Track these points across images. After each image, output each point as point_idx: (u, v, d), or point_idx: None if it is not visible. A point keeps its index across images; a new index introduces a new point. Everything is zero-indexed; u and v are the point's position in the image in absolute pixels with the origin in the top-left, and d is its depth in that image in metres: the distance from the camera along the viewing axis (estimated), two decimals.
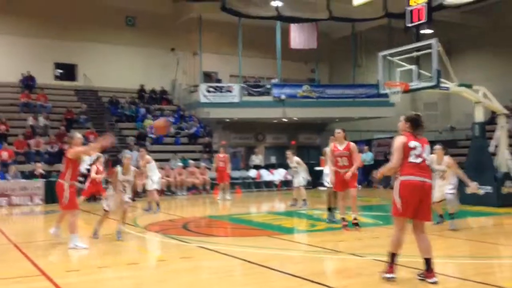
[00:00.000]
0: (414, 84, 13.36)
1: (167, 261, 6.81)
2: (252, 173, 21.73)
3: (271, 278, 5.78)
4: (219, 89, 23.92)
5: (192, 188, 19.62)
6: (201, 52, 24.09)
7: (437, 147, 9.27)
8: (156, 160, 19.23)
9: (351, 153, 9.13)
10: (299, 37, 25.24)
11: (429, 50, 12.71)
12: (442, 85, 13.10)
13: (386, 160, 6.74)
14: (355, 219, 9.07)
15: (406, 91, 13.59)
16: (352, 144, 9.25)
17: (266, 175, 21.79)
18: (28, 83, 22.69)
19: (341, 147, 9.20)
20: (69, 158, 7.87)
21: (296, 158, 14.15)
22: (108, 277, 5.91)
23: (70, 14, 23.52)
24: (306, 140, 28.79)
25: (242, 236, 9.42)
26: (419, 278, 5.31)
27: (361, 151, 17.10)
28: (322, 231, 9.55)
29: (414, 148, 5.38)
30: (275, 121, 26.40)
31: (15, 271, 6.36)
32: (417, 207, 5.28)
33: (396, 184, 5.39)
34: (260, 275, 5.94)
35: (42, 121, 20.57)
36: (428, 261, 5.24)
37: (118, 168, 8.65)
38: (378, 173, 5.88)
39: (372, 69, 24.62)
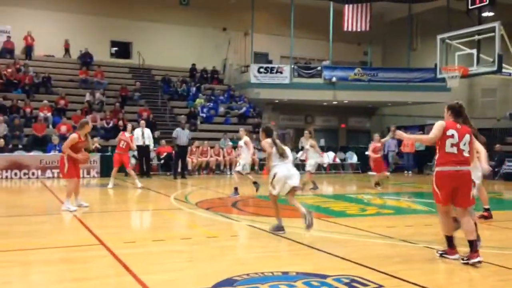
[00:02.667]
0: (474, 69, 12.91)
1: (218, 238, 6.95)
2: (301, 154, 21.63)
3: (319, 259, 5.80)
4: (269, 70, 23.89)
5: None
6: (252, 32, 24.06)
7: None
8: (206, 139, 19.70)
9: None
10: (352, 19, 24.76)
11: (491, 34, 12.21)
12: (504, 70, 12.59)
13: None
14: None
15: (465, 76, 13.19)
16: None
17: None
18: (85, 60, 23.42)
19: None
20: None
21: (312, 141, 13.81)
22: (162, 250, 6.11)
23: None
24: (357, 123, 28.41)
25: (290, 217, 9.47)
26: (464, 261, 5.48)
27: None
28: (372, 216, 9.48)
29: (451, 136, 5.51)
30: (325, 103, 26.16)
31: (75, 239, 6.69)
32: (453, 195, 5.53)
33: (434, 174, 5.65)
34: (308, 256, 5.97)
35: (98, 97, 21.22)
36: (471, 243, 5.43)
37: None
38: (403, 135, 6.04)
39: (428, 52, 23.89)
